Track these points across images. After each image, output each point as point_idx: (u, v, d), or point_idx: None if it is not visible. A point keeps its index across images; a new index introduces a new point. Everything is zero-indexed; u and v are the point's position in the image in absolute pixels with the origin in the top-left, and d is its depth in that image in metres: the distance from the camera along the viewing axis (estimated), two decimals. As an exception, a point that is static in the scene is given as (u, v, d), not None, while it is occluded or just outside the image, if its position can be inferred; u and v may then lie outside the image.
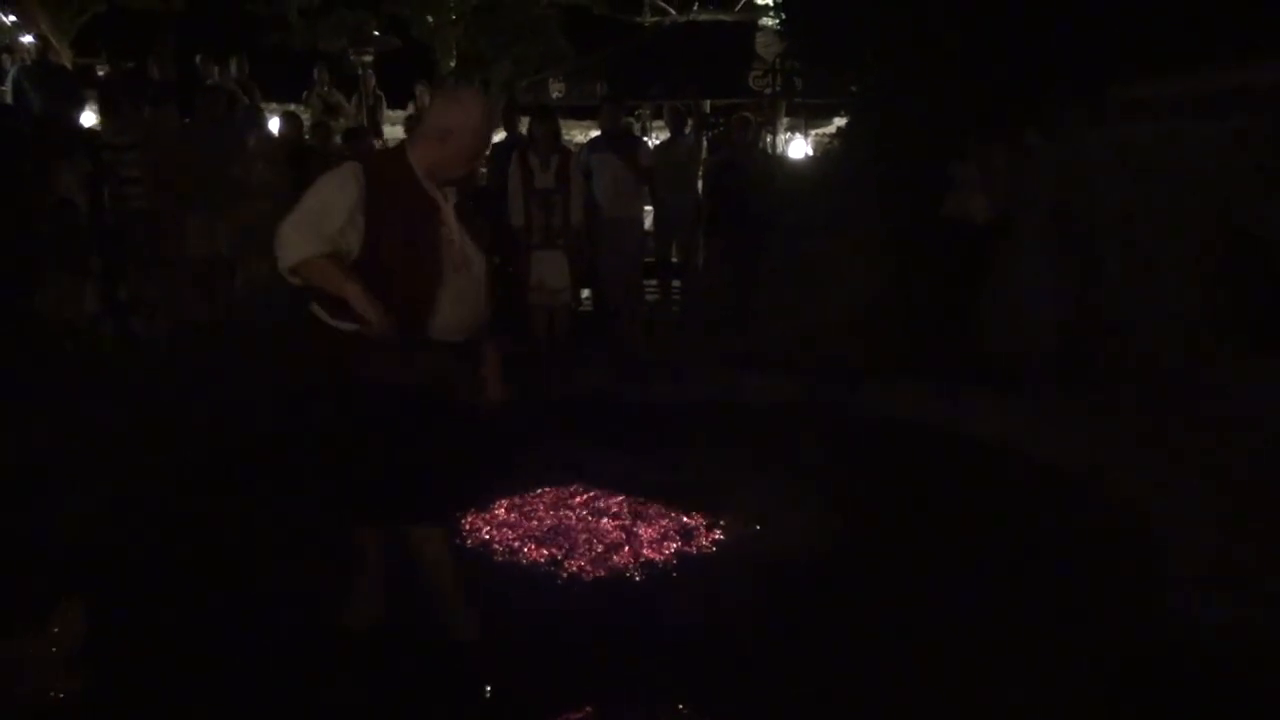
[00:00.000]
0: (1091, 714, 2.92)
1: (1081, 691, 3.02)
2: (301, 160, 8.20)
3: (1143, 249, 5.95)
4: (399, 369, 2.98)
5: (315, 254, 2.91)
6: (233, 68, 11.26)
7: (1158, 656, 3.17)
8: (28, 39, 12.68)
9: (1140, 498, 4.39)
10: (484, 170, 9.54)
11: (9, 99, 9.48)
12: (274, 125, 9.98)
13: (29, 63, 10.80)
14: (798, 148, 12.30)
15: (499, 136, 10.65)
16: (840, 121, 11.30)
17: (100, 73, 12.47)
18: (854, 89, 8.86)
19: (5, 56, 12.28)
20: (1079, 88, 6.23)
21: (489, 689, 3.10)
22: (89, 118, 9.75)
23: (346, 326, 2.96)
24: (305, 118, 10.82)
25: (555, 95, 16.40)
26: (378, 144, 11.15)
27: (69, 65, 12.28)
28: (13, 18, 13.04)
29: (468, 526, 4.32)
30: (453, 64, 15.80)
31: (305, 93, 12.78)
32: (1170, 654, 3.18)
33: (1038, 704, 2.97)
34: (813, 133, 13.02)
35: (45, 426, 5.06)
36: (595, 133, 9.51)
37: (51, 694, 2.88)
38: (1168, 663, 3.12)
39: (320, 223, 2.93)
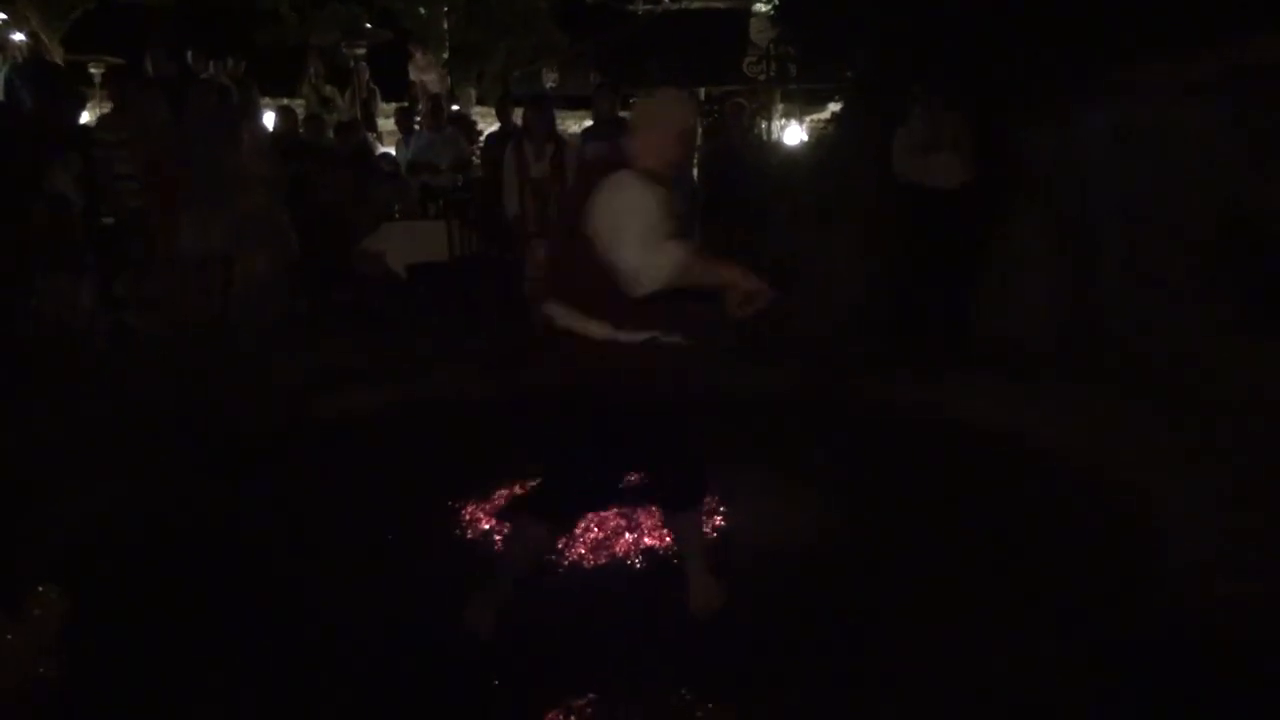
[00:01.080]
0: (1094, 697, 2.92)
1: (1084, 675, 3.02)
2: (296, 155, 8.19)
3: (1140, 231, 5.93)
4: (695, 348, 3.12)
5: (682, 256, 2.86)
6: (228, 63, 11.23)
7: (1160, 640, 3.17)
8: (18, 36, 12.63)
9: (1140, 482, 4.39)
10: (477, 161, 9.55)
11: (1, 97, 9.43)
12: (268, 120, 9.97)
13: (20, 60, 10.76)
14: (793, 134, 12.29)
15: (493, 127, 10.64)
16: (835, 107, 11.28)
17: (92, 70, 12.43)
18: (849, 74, 8.84)
19: (-2, 54, 12.24)
20: (1074, 69, 6.20)
21: (493, 678, 3.10)
22: (86, 116, 9.72)
23: (640, 337, 2.97)
24: (300, 111, 10.80)
25: (549, 85, 16.38)
26: (370, 136, 11.16)
27: (60, 62, 12.23)
28: (2, 15, 12.98)
29: (468, 517, 4.32)
30: (445, 56, 15.74)
31: (298, 85, 12.75)
32: (1172, 637, 3.18)
33: (1041, 688, 2.97)
34: (808, 119, 13.00)
35: (43, 424, 5.04)
36: (589, 122, 9.49)
37: (29, 682, 2.89)
38: (1170, 646, 3.12)
39: (660, 229, 2.87)
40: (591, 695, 2.99)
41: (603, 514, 4.26)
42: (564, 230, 3.05)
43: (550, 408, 3.27)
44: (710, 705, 2.98)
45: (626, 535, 4.09)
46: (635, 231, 2.82)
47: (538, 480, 3.52)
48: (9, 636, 2.96)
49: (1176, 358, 5.30)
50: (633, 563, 3.91)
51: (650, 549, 3.99)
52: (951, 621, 3.39)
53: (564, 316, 3.02)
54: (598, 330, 2.95)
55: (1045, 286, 6.43)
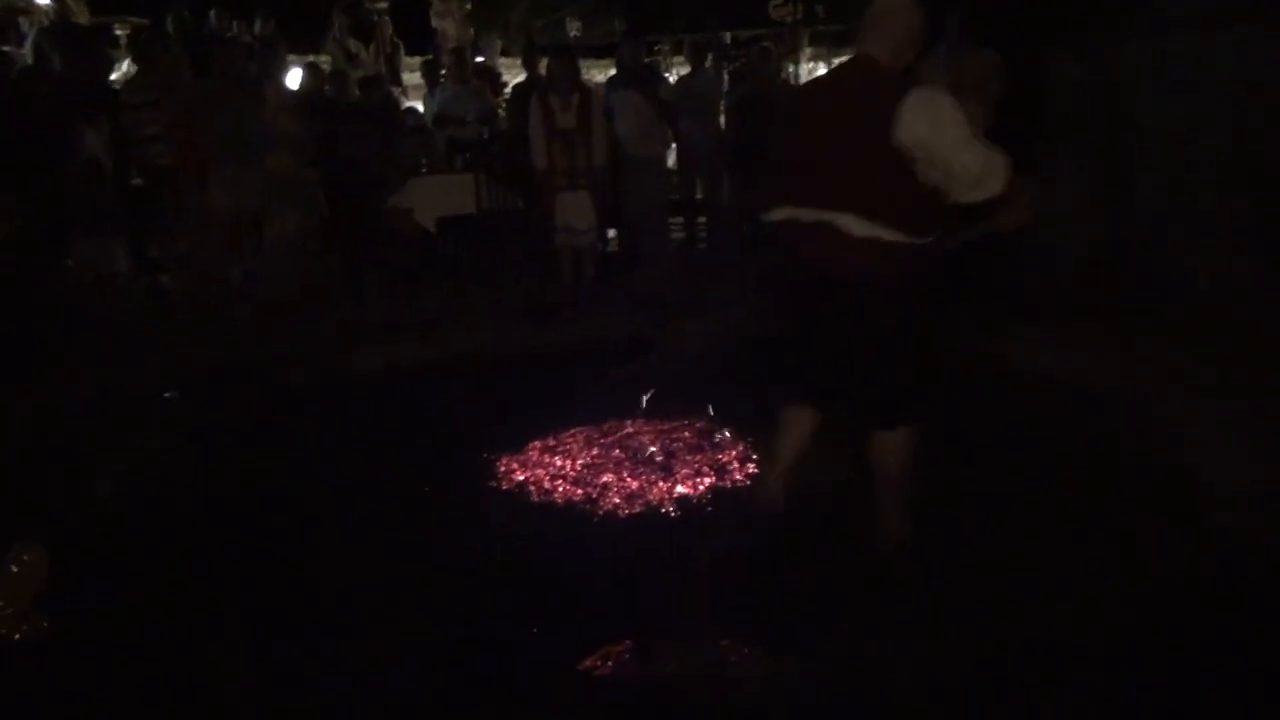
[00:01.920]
0: (1134, 632, 2.91)
1: (1123, 611, 3.01)
2: (322, 112, 8.18)
3: (1177, 167, 5.81)
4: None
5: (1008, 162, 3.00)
6: (254, 23, 11.18)
7: (1198, 575, 3.15)
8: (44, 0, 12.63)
9: (1175, 419, 4.34)
10: (503, 113, 9.49)
11: (29, 61, 9.46)
12: (295, 77, 9.95)
13: (47, 24, 10.77)
14: (822, 77, 12.10)
15: (519, 78, 10.56)
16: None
17: (118, 31, 12.43)
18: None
19: (22, 19, 12.26)
20: (1110, 2, 6.06)
21: (530, 626, 3.14)
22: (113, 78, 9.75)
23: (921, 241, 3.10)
24: (325, 66, 10.76)
25: (573, 34, 16.19)
26: (395, 91, 11.10)
27: (86, 24, 12.24)
28: (29, -22, 12.98)
29: (502, 469, 4.36)
30: (468, 6, 15.59)
31: (323, 42, 12.69)
32: (1211, 573, 3.16)
33: (1080, 625, 2.96)
34: (836, 60, 12.80)
35: (80, 384, 5.12)
36: (614, 71, 9.41)
37: (13, 638, 2.94)
38: (1209, 582, 3.10)
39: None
40: (627, 643, 3.02)
41: (638, 464, 4.30)
42: (809, 129, 3.20)
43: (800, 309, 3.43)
44: (746, 650, 3.01)
45: (661, 484, 4.10)
46: (968, 139, 2.93)
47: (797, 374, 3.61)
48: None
49: (1217, 296, 5.22)
50: (666, 511, 3.92)
51: (685, 497, 4.00)
52: (989, 554, 3.37)
53: (834, 216, 3.07)
54: (888, 234, 3.03)
55: (1082, 222, 6.32)
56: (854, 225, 3.04)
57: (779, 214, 3.28)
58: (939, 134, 2.92)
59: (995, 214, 3.11)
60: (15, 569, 3.07)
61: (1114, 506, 3.69)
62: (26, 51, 9.94)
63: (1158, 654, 2.70)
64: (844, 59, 3.48)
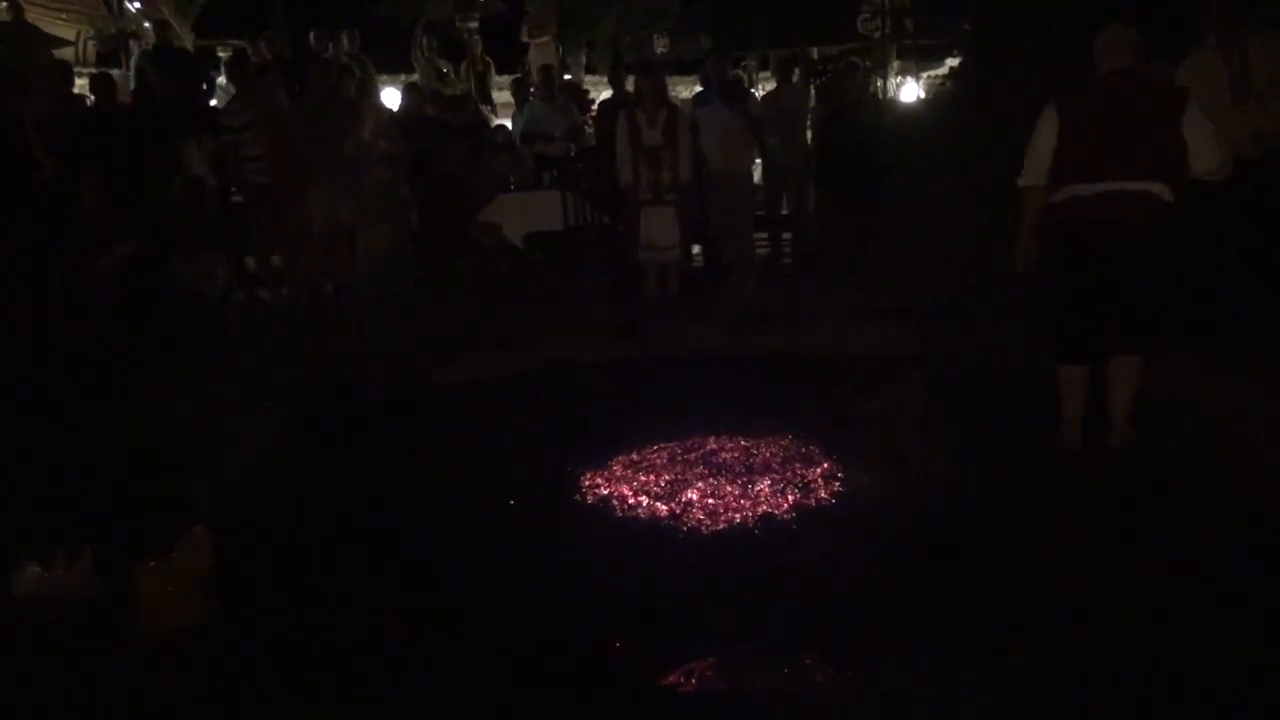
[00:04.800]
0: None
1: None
2: (417, 131, 8.36)
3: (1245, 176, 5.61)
4: None
5: None
6: (344, 41, 11.48)
7: None
8: (149, 24, 13.14)
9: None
10: (590, 130, 9.59)
11: (133, 84, 9.85)
12: (386, 97, 10.18)
13: (150, 47, 11.21)
14: (909, 91, 11.98)
15: (605, 94, 10.66)
16: (953, 62, 10.96)
17: (221, 54, 12.88)
18: (966, 26, 8.56)
19: (132, 43, 12.78)
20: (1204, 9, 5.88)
21: (613, 640, 3.15)
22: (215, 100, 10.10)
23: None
24: (419, 85, 11.00)
25: (660, 50, 16.26)
26: (485, 109, 11.30)
27: (190, 48, 12.70)
28: (137, 4, 13.53)
29: (586, 483, 4.39)
30: (555, 27, 15.77)
31: (411, 59, 12.95)
32: None
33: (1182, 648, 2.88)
34: (924, 75, 12.66)
35: (187, 394, 5.30)
36: (700, 87, 9.44)
37: (185, 621, 3.09)
38: None
39: None
40: (711, 658, 3.02)
41: (718, 480, 4.29)
42: (1126, 126, 4.13)
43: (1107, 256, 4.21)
44: (832, 669, 2.97)
45: (744, 502, 4.09)
46: (1215, 133, 4.11)
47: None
48: (163, 582, 3.17)
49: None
50: (752, 528, 3.91)
51: (769, 515, 3.98)
52: (1077, 579, 3.30)
53: (1139, 184, 4.09)
54: (1170, 195, 4.11)
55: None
56: (1159, 190, 4.10)
57: (1086, 189, 4.16)
58: (1203, 128, 4.07)
59: None
60: (180, 555, 3.23)
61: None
62: (131, 74, 10.36)
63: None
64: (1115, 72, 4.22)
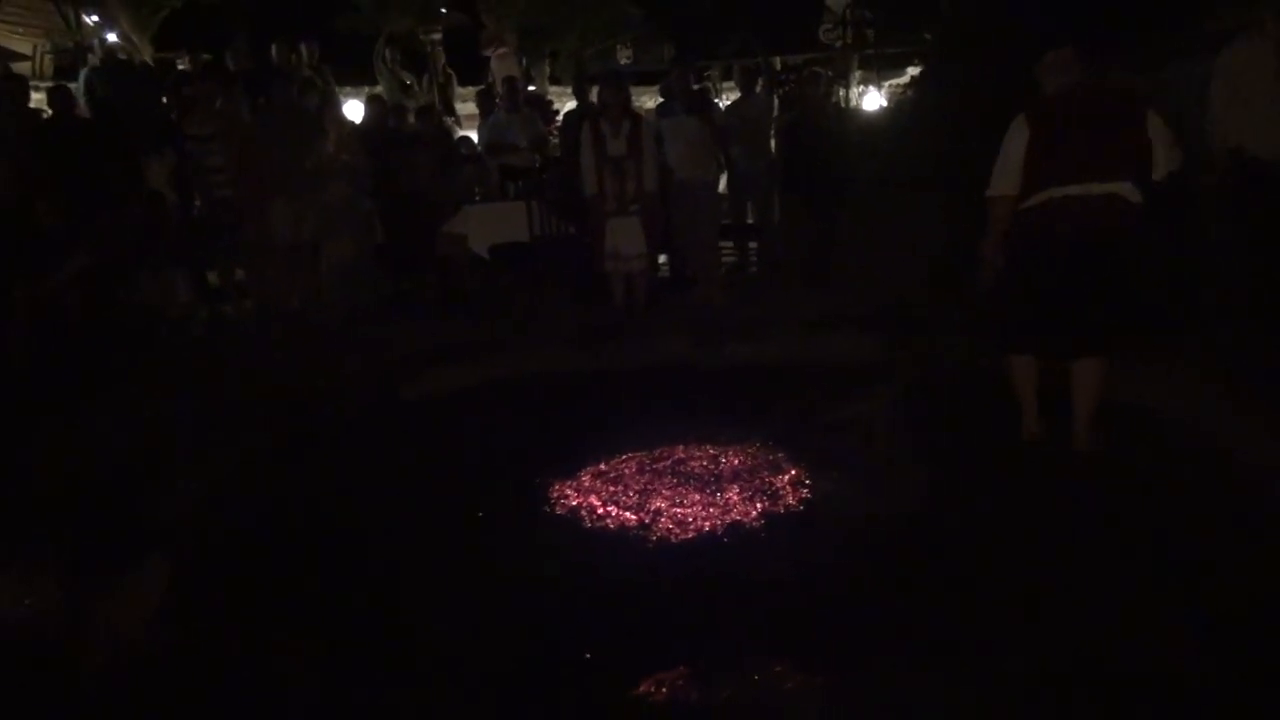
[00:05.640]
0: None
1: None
2: (381, 144, 8.32)
3: (1238, 184, 5.69)
4: None
5: None
6: (304, 53, 11.41)
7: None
8: (111, 37, 13.02)
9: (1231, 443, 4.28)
10: (555, 140, 9.59)
11: (81, 99, 9.73)
12: (348, 109, 10.13)
13: (98, 63, 11.07)
14: (871, 100, 12.09)
15: (569, 105, 10.67)
16: (914, 70, 11.07)
17: (181, 67, 12.78)
18: (927, 36, 8.65)
19: (90, 56, 12.65)
20: (1167, 21, 5.99)
21: (583, 651, 3.14)
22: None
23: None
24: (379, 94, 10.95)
25: (623, 61, 16.37)
26: (449, 120, 11.27)
27: (150, 61, 12.59)
28: (95, 17, 13.40)
29: (555, 495, 4.38)
30: (514, 38, 15.79)
31: (374, 71, 12.91)
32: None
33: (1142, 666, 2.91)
34: (886, 84, 12.80)
35: (146, 410, 5.23)
36: (664, 97, 9.46)
37: (133, 648, 3.02)
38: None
39: None
40: (681, 667, 3.01)
41: (685, 489, 4.29)
42: (1093, 133, 4.26)
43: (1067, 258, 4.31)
44: (800, 677, 2.98)
45: (712, 510, 4.09)
46: (1176, 140, 4.28)
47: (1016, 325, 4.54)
48: (111, 603, 3.11)
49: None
50: (720, 537, 3.91)
51: (737, 523, 3.99)
52: (1045, 581, 3.33)
53: (1109, 186, 4.23)
54: (1138, 196, 4.24)
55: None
56: (1129, 191, 4.23)
57: (1058, 192, 4.28)
58: (1166, 134, 4.22)
59: None
60: (135, 581, 3.17)
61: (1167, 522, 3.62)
62: (78, 87, 10.23)
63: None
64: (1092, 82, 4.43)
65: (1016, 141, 4.34)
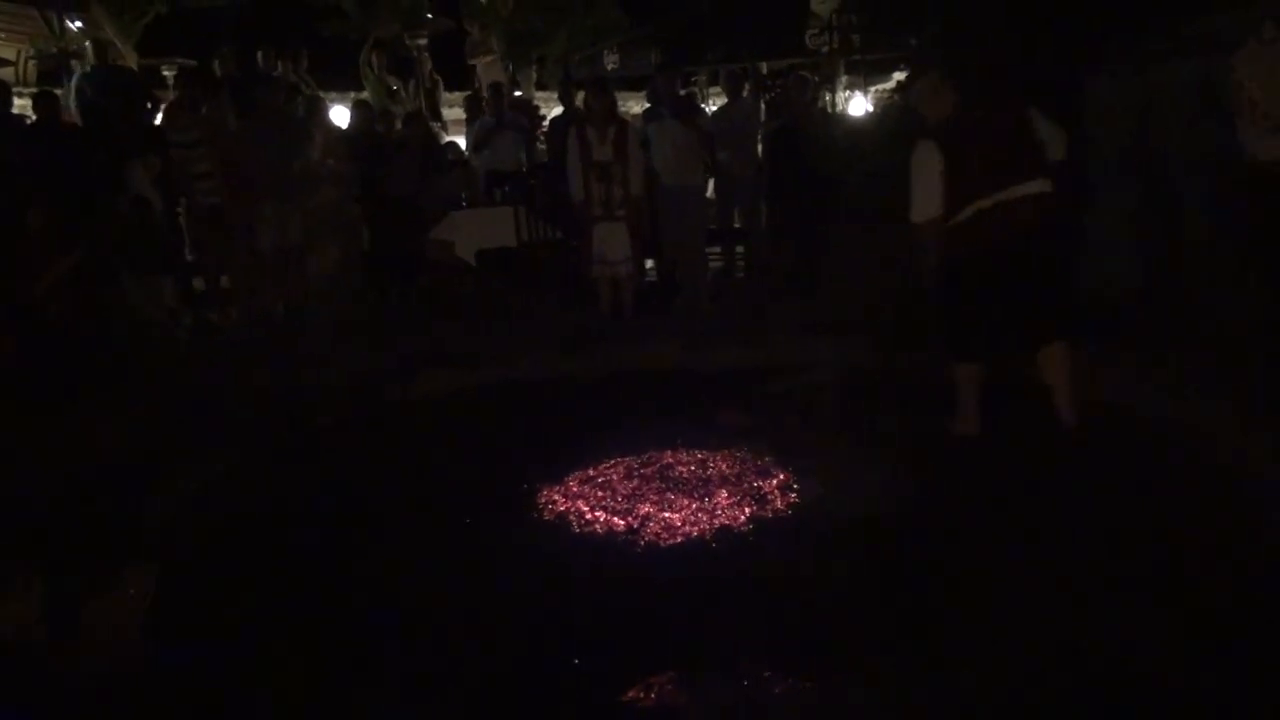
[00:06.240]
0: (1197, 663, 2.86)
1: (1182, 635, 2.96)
2: (367, 150, 8.31)
3: (1226, 190, 5.73)
4: None
5: None
6: (291, 59, 11.39)
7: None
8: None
9: (1229, 444, 4.28)
10: (541, 145, 9.59)
11: (73, 104, 9.70)
12: (335, 114, 10.10)
13: (90, 68, 11.04)
14: (858, 105, 12.11)
15: (556, 111, 10.67)
16: (900, 76, 11.10)
17: (166, 73, 12.73)
18: (913, 41, 8.67)
19: (74, 62, 12.59)
20: (1152, 23, 6.01)
21: (572, 657, 3.14)
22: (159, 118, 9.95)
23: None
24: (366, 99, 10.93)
25: (610, 67, 16.34)
26: (436, 126, 11.26)
27: (134, 67, 12.53)
28: (79, 24, 13.34)
29: (543, 500, 4.37)
30: (502, 43, 15.78)
31: (360, 77, 12.89)
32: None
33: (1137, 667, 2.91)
34: (872, 89, 12.82)
35: (132, 416, 5.21)
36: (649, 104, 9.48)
37: (117, 652, 2.99)
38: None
39: None
40: (670, 672, 3.01)
41: (678, 493, 4.29)
42: (995, 144, 4.54)
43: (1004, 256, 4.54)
44: (789, 682, 2.98)
45: (702, 514, 4.09)
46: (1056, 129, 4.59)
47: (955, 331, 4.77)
48: (98, 611, 3.08)
49: (1264, 319, 5.12)
50: (708, 541, 3.91)
51: (725, 527, 3.98)
52: (1037, 590, 3.33)
53: (1027, 187, 4.48)
54: (1049, 186, 4.50)
55: (1126, 247, 6.23)
56: (1045, 186, 4.50)
57: (985, 202, 4.49)
58: (1052, 133, 4.56)
59: None
60: (123, 590, 3.14)
61: (1158, 531, 3.64)
62: (69, 93, 10.19)
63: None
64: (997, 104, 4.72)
65: (931, 166, 4.55)
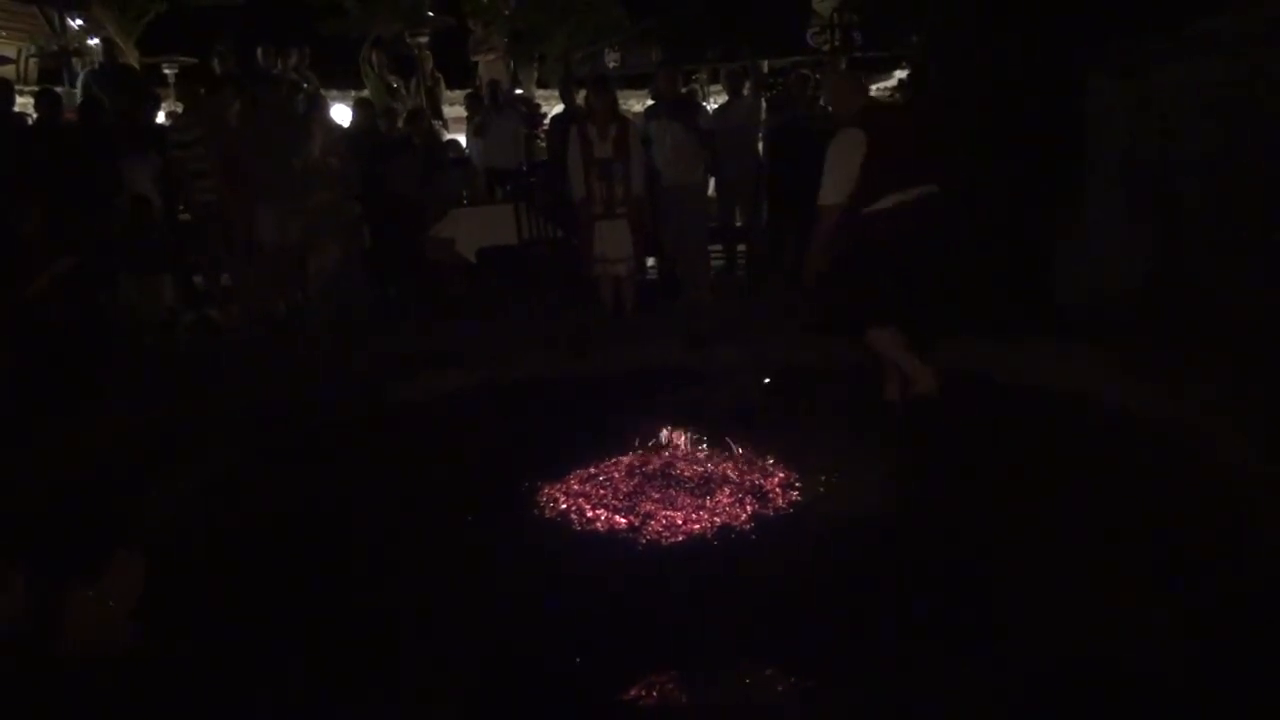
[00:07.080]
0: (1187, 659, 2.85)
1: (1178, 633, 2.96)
2: (368, 146, 8.31)
3: (1224, 191, 5.73)
4: None
5: None
6: (293, 57, 11.38)
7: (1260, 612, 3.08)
8: (95, 41, 12.97)
9: (1224, 444, 4.27)
10: (542, 143, 9.58)
11: (78, 101, 9.70)
12: (336, 112, 10.10)
13: (97, 66, 11.05)
14: (859, 103, 12.08)
15: (556, 109, 10.67)
16: (901, 74, 11.10)
17: (166, 71, 12.73)
18: (914, 39, 8.66)
19: (75, 60, 12.60)
20: (1152, 22, 6.00)
21: (573, 655, 3.14)
22: (160, 117, 9.96)
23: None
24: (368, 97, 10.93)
25: (611, 65, 16.35)
26: (437, 124, 11.25)
27: (136, 65, 12.54)
28: (79, 21, 13.35)
29: (543, 498, 4.37)
30: (504, 39, 15.76)
31: (360, 75, 12.88)
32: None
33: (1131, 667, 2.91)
34: (874, 87, 12.81)
35: (131, 414, 5.21)
36: (651, 101, 9.46)
37: (104, 644, 2.99)
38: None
39: None
40: (672, 671, 3.01)
41: (675, 492, 4.29)
42: (913, 146, 4.86)
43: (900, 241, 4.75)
44: (791, 680, 2.98)
45: (702, 512, 4.09)
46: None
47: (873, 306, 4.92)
48: (86, 599, 3.07)
49: (1260, 322, 5.12)
50: (710, 539, 3.91)
51: (726, 525, 3.98)
52: (1030, 588, 3.33)
53: (927, 190, 4.77)
54: (939, 191, 4.78)
55: (1124, 248, 6.24)
56: (937, 191, 4.79)
57: (891, 200, 4.72)
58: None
59: None
60: (111, 580, 3.13)
61: (1159, 538, 3.63)
62: (77, 91, 10.20)
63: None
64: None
65: (853, 155, 4.72)
